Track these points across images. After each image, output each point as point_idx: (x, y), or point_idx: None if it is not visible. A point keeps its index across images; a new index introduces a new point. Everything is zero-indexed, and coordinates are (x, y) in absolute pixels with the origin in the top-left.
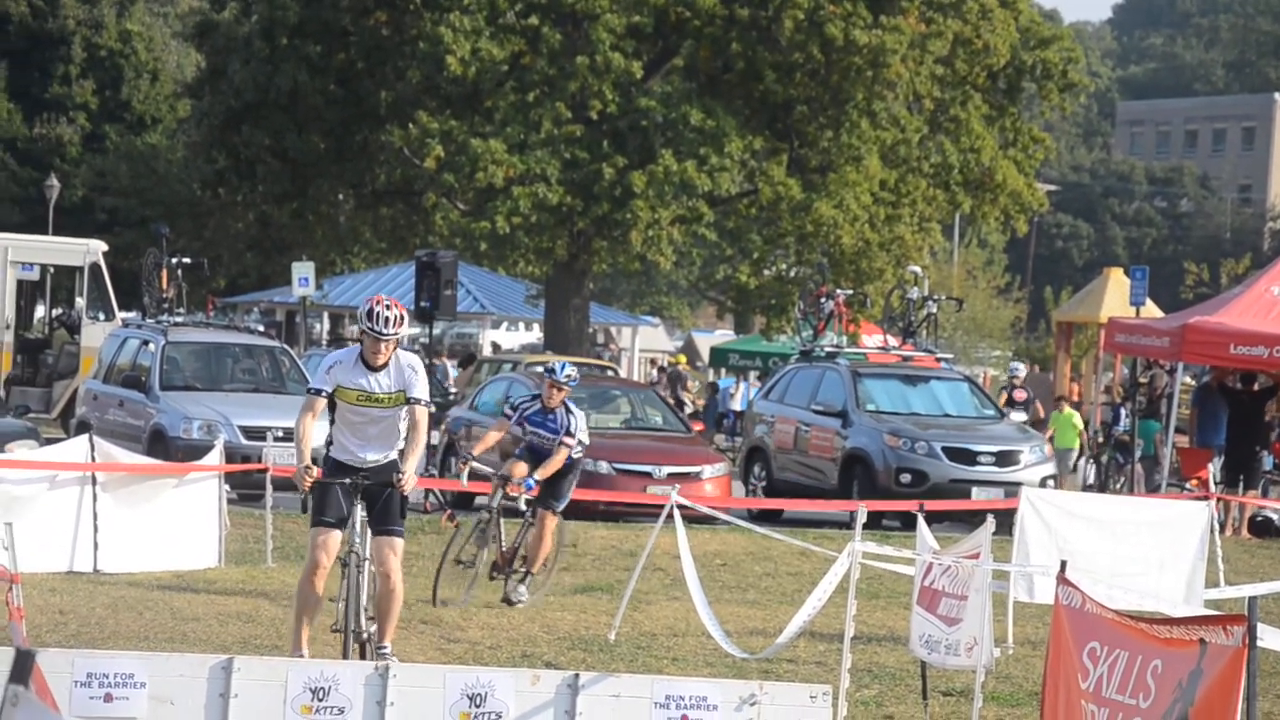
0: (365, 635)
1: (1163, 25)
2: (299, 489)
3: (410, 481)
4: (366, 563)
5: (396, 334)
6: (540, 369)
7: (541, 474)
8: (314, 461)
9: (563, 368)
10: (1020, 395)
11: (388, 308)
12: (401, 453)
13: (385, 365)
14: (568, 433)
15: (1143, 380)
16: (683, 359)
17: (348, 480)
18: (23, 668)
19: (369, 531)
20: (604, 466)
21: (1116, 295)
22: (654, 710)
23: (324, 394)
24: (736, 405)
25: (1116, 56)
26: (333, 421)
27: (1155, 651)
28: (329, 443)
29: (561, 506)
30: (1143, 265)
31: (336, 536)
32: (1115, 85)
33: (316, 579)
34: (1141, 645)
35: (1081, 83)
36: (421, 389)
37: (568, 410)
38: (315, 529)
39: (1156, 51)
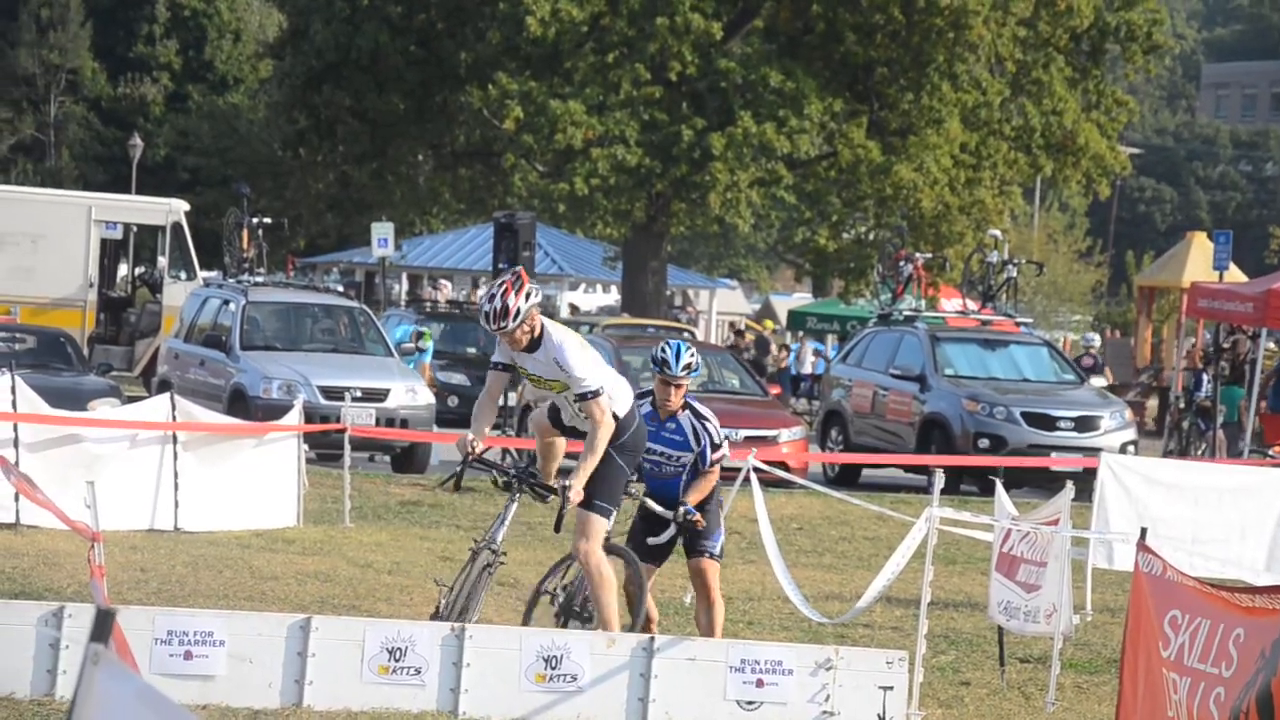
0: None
1: None
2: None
3: (574, 492)
4: (497, 561)
5: (512, 325)
6: (653, 364)
7: (695, 498)
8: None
9: (678, 355)
10: (1088, 361)
11: (490, 298)
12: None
13: (533, 349)
14: (713, 445)
15: (1226, 346)
16: (770, 324)
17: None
18: (104, 627)
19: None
20: None
21: (1199, 260)
22: (729, 674)
23: (500, 367)
24: (806, 368)
25: (1202, 18)
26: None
27: (1237, 620)
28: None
29: (721, 549)
30: (1226, 229)
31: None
32: (1200, 47)
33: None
34: (1223, 614)
35: (1166, 44)
36: (583, 378)
37: (696, 415)
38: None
39: (1243, 13)
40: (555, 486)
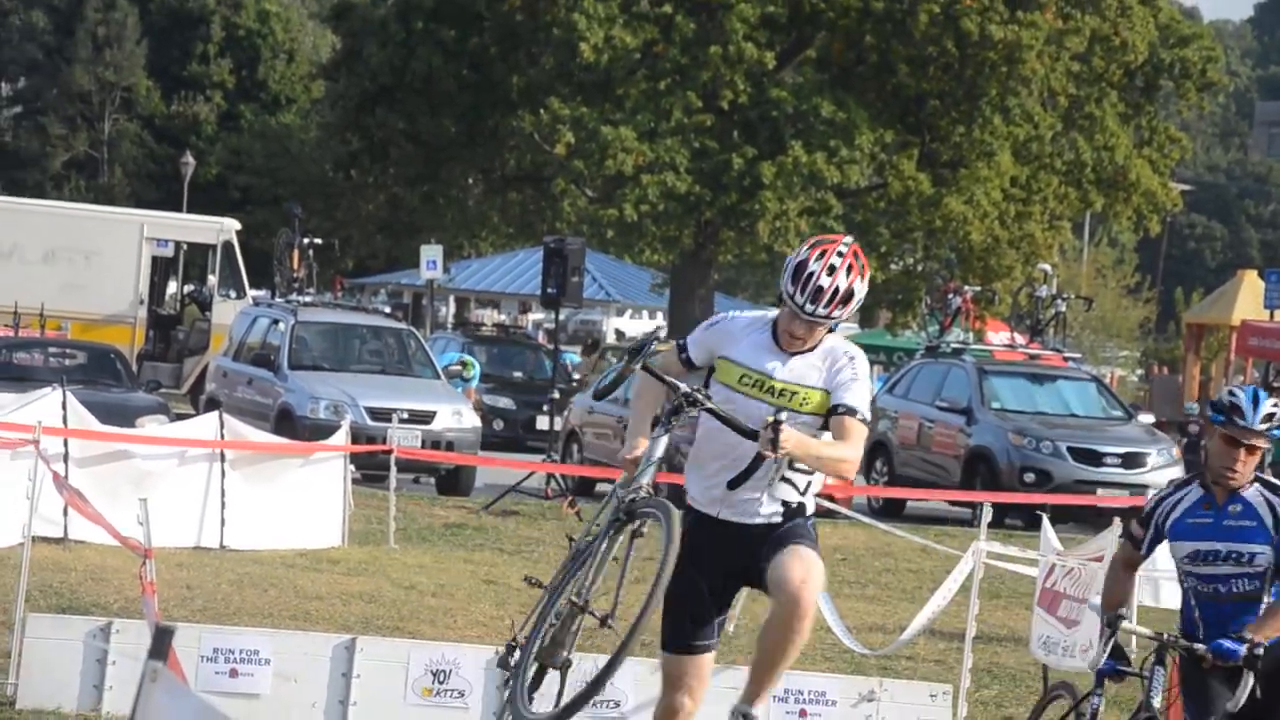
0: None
1: None
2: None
3: (790, 437)
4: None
5: (844, 315)
6: (1212, 412)
7: (1269, 633)
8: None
9: (1255, 402)
10: (1194, 428)
11: (830, 270)
12: (799, 505)
13: (810, 350)
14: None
15: (1275, 385)
16: None
17: (704, 584)
18: (161, 644)
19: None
20: None
21: (1249, 298)
22: (773, 704)
23: (686, 356)
24: None
25: (1256, 55)
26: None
27: None
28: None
29: None
30: (1277, 268)
31: (702, 663)
32: (1254, 85)
33: None
34: None
35: (1220, 82)
36: (857, 394)
37: (1271, 489)
38: (665, 653)
39: None
40: (765, 421)
